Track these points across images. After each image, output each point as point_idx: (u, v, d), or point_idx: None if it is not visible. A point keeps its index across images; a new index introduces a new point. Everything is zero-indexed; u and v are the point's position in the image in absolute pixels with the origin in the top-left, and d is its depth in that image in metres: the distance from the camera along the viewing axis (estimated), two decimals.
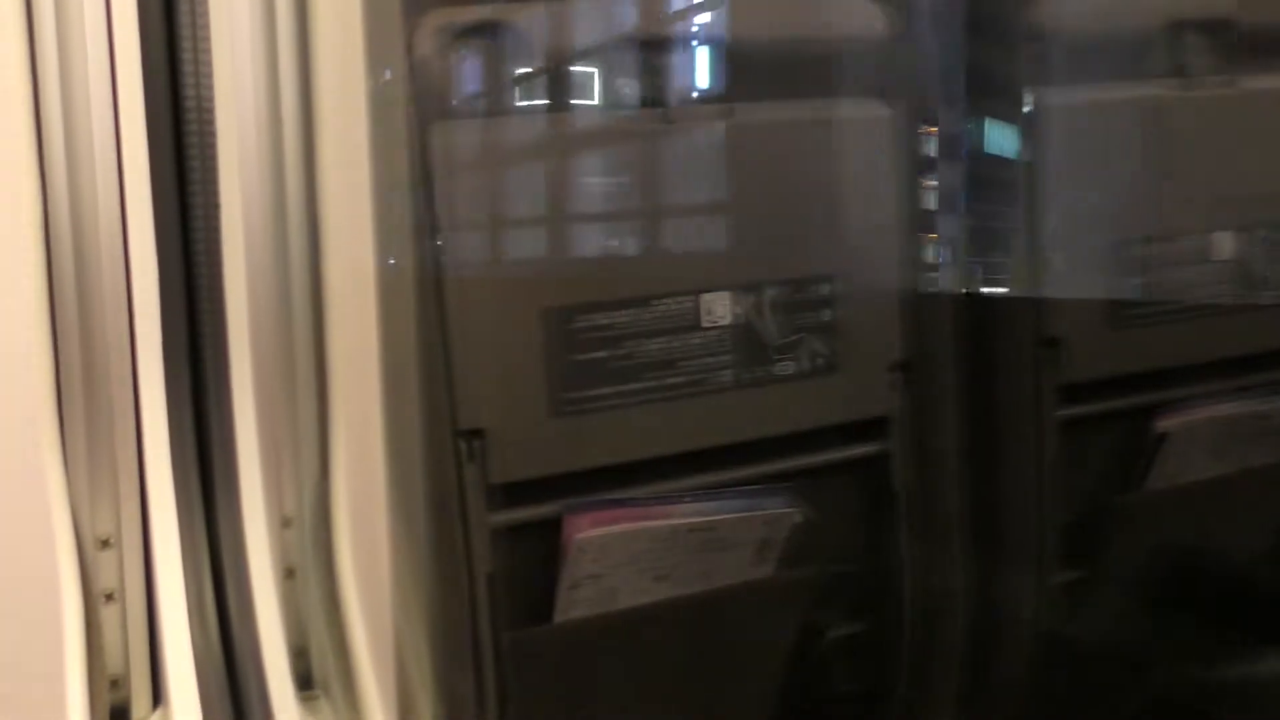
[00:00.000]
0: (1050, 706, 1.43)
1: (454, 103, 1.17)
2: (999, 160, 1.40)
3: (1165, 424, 1.41)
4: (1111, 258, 1.42)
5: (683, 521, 1.22)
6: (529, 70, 1.22)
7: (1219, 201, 1.43)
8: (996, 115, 1.38)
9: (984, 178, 1.41)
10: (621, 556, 1.21)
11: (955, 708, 1.41)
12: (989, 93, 1.38)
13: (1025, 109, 1.36)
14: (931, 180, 1.38)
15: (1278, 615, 1.44)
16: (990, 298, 1.38)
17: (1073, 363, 1.36)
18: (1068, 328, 1.36)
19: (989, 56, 1.38)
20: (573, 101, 1.23)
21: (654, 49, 1.26)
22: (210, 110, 0.79)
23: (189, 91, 0.80)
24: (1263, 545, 1.51)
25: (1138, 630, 1.47)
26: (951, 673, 1.40)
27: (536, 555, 1.19)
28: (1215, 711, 1.42)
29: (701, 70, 1.29)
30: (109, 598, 0.78)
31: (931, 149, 1.38)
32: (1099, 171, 1.40)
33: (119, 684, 0.79)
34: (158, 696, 0.79)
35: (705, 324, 1.25)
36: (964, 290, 1.38)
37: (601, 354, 1.20)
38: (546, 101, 1.23)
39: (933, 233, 1.38)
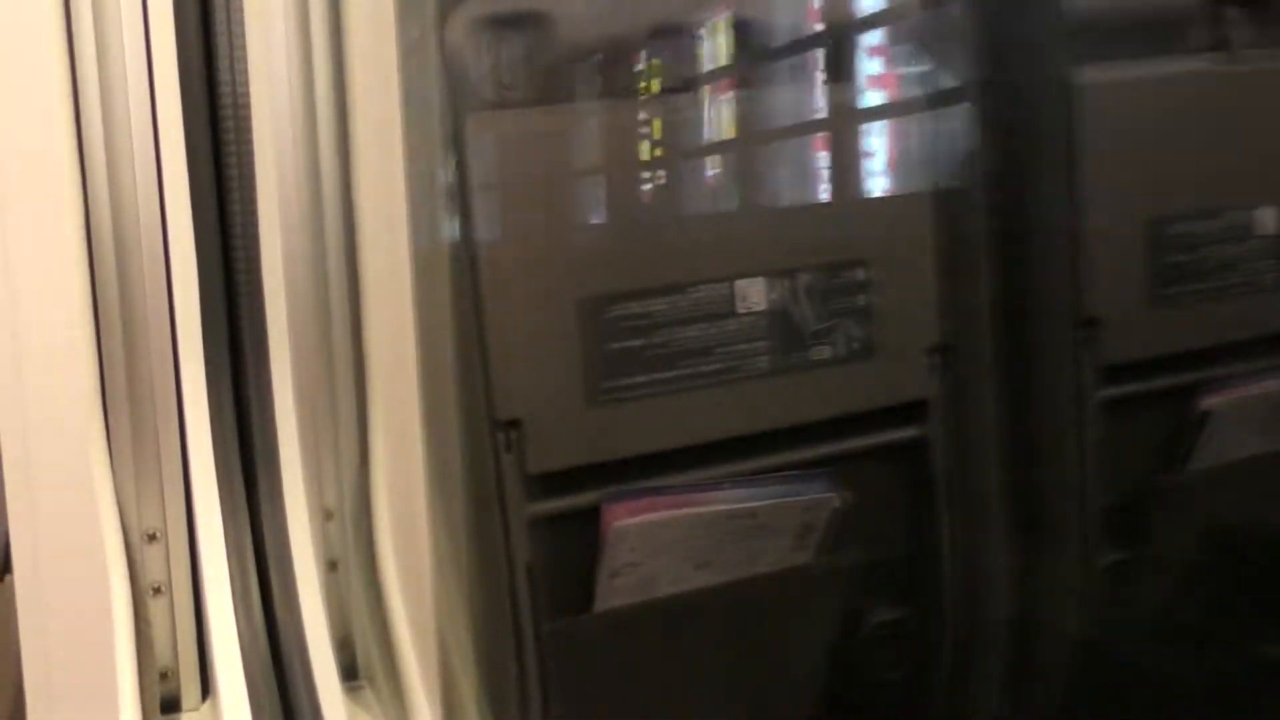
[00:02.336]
0: (1095, 690, 1.42)
1: (488, 93, 1.17)
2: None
3: (1207, 403, 1.39)
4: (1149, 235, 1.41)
5: (722, 508, 1.22)
6: (562, 59, 1.21)
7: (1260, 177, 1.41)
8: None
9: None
10: (660, 544, 1.20)
11: (999, 692, 1.40)
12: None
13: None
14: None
15: None
16: (1028, 278, 1.36)
17: (1113, 343, 1.35)
18: (1107, 308, 1.35)
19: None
20: (606, 90, 1.23)
21: (685, 36, 1.26)
22: (246, 104, 0.80)
23: (225, 86, 0.80)
24: None
25: (1183, 612, 1.46)
26: (995, 657, 1.39)
27: (576, 544, 1.19)
28: (1264, 692, 1.41)
29: (733, 54, 1.29)
30: (157, 591, 0.79)
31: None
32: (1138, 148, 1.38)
33: (168, 676, 0.79)
34: (206, 688, 0.80)
35: (740, 310, 1.24)
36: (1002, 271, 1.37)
37: (637, 342, 1.20)
38: (580, 90, 1.23)
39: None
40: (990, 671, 1.40)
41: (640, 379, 1.21)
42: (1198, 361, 1.40)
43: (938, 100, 1.34)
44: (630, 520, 1.18)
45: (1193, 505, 1.45)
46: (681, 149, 1.26)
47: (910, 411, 1.34)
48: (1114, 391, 1.36)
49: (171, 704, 0.80)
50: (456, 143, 1.11)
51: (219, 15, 0.80)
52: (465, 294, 1.12)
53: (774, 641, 1.31)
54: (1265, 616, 1.45)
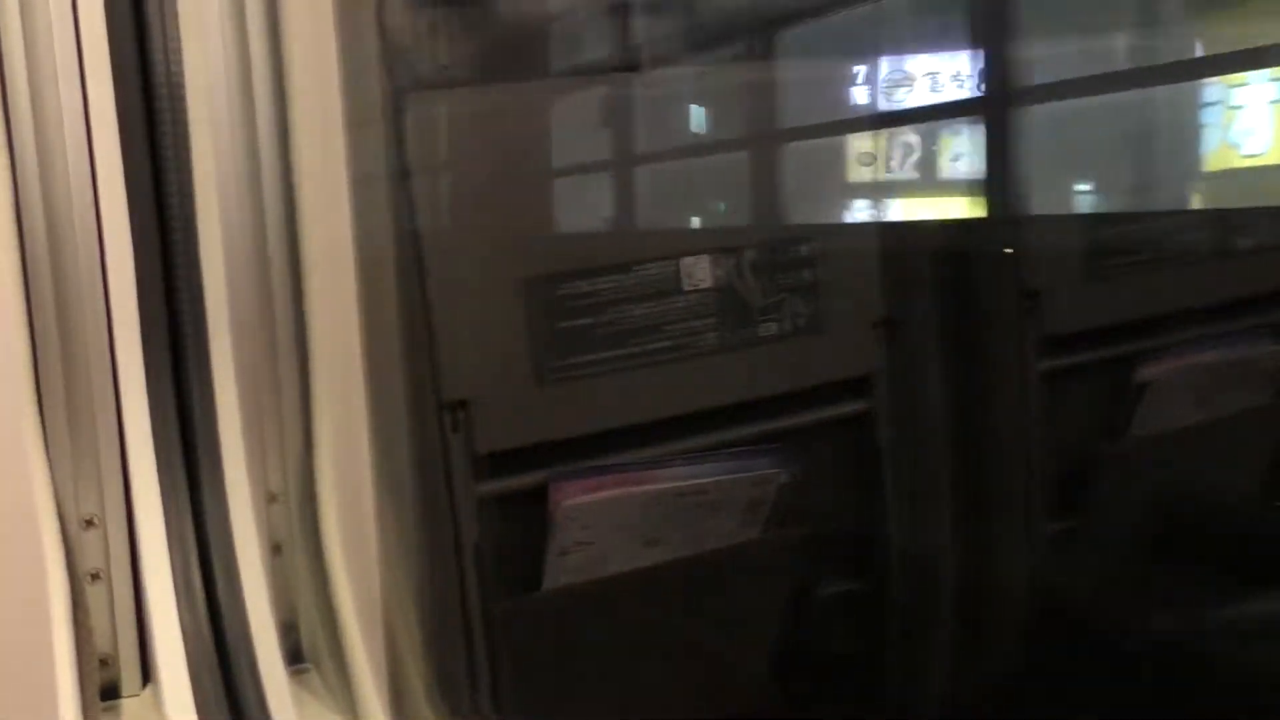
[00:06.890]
0: (1042, 656, 1.44)
1: (428, 71, 1.16)
2: None
3: (1145, 373, 1.41)
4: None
5: (671, 485, 1.22)
6: (502, 36, 1.21)
7: None
8: None
9: None
10: (610, 522, 1.21)
11: (948, 660, 1.42)
12: None
13: None
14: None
15: (1258, 556, 1.45)
16: (970, 252, 1.37)
17: (1053, 315, 1.36)
18: (1048, 280, 1.37)
19: None
20: (547, 67, 1.22)
21: (627, 12, 1.25)
22: (181, 86, 0.78)
23: (159, 68, 0.79)
24: (1243, 488, 1.53)
25: (1126, 577, 1.48)
26: (943, 626, 1.41)
27: (525, 524, 1.19)
28: (1204, 653, 1.43)
29: (675, 32, 1.28)
30: (95, 577, 0.78)
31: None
32: None
33: (108, 663, 0.79)
34: (147, 674, 0.79)
35: (686, 288, 1.25)
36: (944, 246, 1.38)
37: (584, 321, 1.20)
38: (520, 68, 1.22)
39: None
40: (940, 639, 1.41)
41: (588, 358, 1.21)
42: (1136, 333, 1.42)
43: None
44: (579, 499, 1.18)
45: (1132, 473, 1.47)
46: (626, 125, 1.26)
47: (856, 386, 1.35)
48: (1055, 363, 1.38)
49: (112, 690, 0.79)
50: (396, 121, 1.10)
51: None
52: (410, 274, 1.11)
53: (725, 616, 1.32)
54: (1204, 578, 1.48)
